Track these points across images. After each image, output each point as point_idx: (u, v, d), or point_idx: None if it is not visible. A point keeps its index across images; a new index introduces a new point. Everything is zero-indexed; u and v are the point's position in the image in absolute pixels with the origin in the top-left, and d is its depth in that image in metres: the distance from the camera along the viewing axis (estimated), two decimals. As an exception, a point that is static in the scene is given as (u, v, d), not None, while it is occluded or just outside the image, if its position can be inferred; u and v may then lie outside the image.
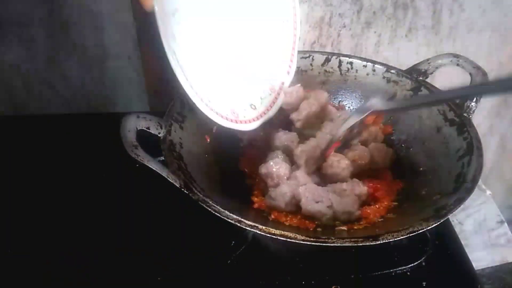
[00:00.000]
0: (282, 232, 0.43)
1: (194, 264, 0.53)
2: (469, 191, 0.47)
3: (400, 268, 0.53)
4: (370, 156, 0.58)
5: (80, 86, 0.91)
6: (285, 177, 0.55)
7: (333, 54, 0.68)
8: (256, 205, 0.54)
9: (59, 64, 0.86)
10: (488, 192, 0.99)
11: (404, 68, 0.66)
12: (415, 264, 0.53)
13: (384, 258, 0.54)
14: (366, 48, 0.89)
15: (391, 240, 0.42)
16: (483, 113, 1.01)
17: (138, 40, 0.78)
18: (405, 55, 0.90)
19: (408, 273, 0.53)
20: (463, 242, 0.58)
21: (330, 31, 0.86)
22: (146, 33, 0.77)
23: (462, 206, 0.46)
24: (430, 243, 0.55)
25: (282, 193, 0.53)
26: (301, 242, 0.43)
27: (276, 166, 0.55)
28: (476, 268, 0.56)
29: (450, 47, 0.89)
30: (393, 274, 0.53)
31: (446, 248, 0.56)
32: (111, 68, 0.87)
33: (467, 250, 0.57)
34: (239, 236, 0.53)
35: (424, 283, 0.52)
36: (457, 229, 0.61)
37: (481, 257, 0.93)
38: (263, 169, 0.56)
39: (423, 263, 0.54)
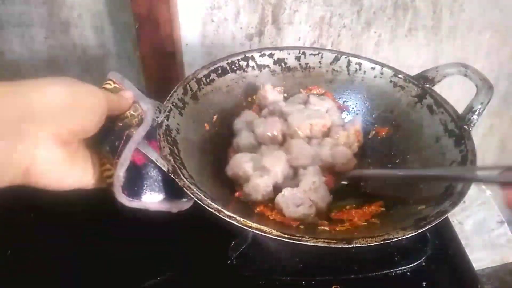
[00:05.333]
0: (258, 226, 0.43)
1: (194, 264, 0.53)
2: (453, 205, 0.47)
3: (400, 268, 0.53)
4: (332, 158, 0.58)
5: (80, 86, 0.91)
6: (250, 170, 0.54)
7: (342, 53, 0.68)
8: (237, 194, 0.54)
9: (59, 64, 0.86)
10: (488, 192, 0.99)
11: (404, 69, 0.66)
12: (415, 264, 0.53)
13: (384, 258, 0.54)
14: (366, 48, 0.89)
15: (364, 245, 0.42)
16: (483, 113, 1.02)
17: (138, 40, 0.78)
18: (405, 55, 0.90)
19: (408, 273, 0.53)
20: (463, 242, 0.58)
21: (330, 31, 0.86)
22: (146, 33, 0.77)
23: (462, 206, 0.46)
24: (430, 243, 0.55)
25: (254, 186, 0.52)
26: (276, 238, 0.42)
27: (240, 165, 0.54)
28: (476, 268, 0.56)
29: (450, 47, 0.90)
30: (393, 274, 0.53)
31: (446, 248, 0.56)
32: (111, 68, 0.87)
33: (467, 250, 0.57)
34: (239, 236, 0.53)
35: (424, 283, 0.52)
36: (457, 229, 0.61)
37: (481, 257, 0.93)
38: (229, 171, 0.55)
39: (423, 263, 0.54)
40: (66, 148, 0.38)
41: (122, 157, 0.44)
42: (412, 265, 0.53)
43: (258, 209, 0.52)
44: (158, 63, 0.81)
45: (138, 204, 0.46)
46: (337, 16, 0.84)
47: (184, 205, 0.48)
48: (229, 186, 0.55)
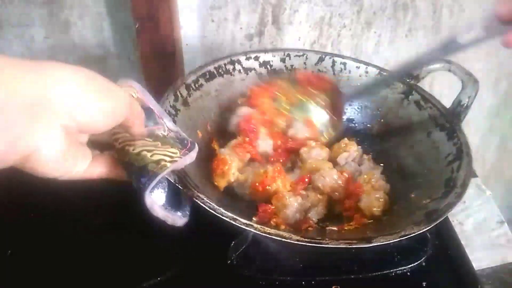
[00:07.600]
0: (278, 232, 0.43)
1: (194, 264, 0.53)
2: (459, 196, 0.48)
3: (400, 268, 0.53)
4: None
5: (80, 86, 0.91)
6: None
7: (326, 53, 0.69)
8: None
9: (59, 64, 0.86)
10: (488, 192, 0.99)
11: (404, 69, 0.66)
12: (415, 264, 0.53)
13: (384, 258, 0.54)
14: (366, 48, 0.89)
15: (384, 243, 0.42)
16: (483, 113, 1.01)
17: (138, 40, 0.78)
18: (405, 55, 0.90)
19: (408, 273, 0.53)
20: (463, 242, 0.58)
21: (330, 31, 0.86)
22: (146, 33, 0.77)
23: (462, 206, 0.46)
24: (430, 243, 0.55)
25: (291, 213, 0.53)
26: (296, 242, 0.43)
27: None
28: (476, 268, 0.56)
29: (450, 47, 0.89)
30: (393, 274, 0.53)
31: (446, 248, 0.56)
32: (111, 68, 0.87)
33: (467, 250, 0.57)
34: (239, 236, 0.53)
35: (424, 283, 0.52)
36: (457, 229, 0.61)
37: (481, 257, 0.93)
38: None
39: (423, 263, 0.54)
40: (69, 139, 0.36)
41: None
42: (412, 265, 0.53)
43: (257, 217, 0.52)
44: (158, 63, 0.81)
45: (150, 201, 0.42)
46: (337, 16, 0.84)
47: (178, 220, 0.45)
48: (228, 193, 0.55)
